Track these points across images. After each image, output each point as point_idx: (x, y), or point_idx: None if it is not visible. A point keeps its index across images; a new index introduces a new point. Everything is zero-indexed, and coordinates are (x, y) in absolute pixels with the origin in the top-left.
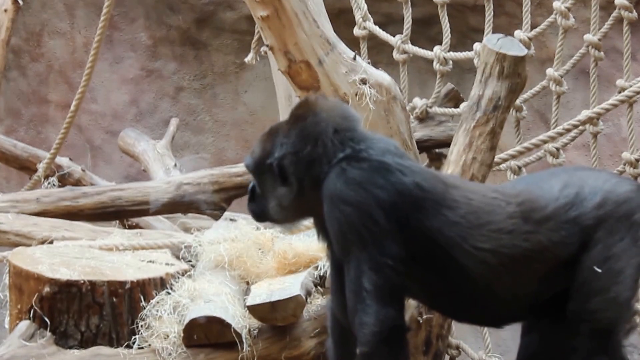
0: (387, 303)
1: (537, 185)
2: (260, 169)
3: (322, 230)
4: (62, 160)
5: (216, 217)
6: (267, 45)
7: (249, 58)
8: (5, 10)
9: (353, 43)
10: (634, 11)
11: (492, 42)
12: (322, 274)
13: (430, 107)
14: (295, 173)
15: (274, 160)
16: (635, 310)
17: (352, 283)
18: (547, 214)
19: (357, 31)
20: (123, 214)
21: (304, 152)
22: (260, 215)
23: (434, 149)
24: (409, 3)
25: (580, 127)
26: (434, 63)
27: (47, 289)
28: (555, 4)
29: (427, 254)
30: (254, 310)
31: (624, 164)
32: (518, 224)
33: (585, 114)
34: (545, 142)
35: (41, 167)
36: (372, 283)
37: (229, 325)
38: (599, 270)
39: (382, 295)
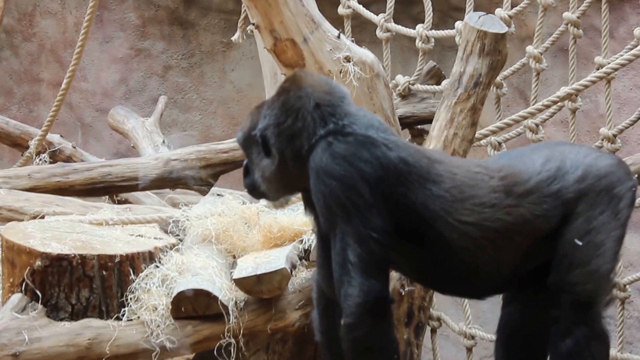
0: (371, 275)
1: (519, 159)
2: (248, 142)
3: (309, 204)
4: (53, 137)
5: (203, 193)
6: (253, 24)
7: (235, 37)
8: None
9: (337, 22)
10: None
11: (473, 20)
12: (306, 248)
13: (413, 84)
14: (277, 144)
15: (257, 132)
16: (614, 282)
17: (337, 255)
18: (530, 187)
19: (341, 10)
20: (113, 189)
21: (284, 124)
22: (252, 189)
23: (416, 125)
24: None
25: (559, 104)
26: (417, 41)
27: (38, 263)
28: None
29: (412, 227)
30: (240, 283)
31: (602, 140)
32: (501, 197)
33: (564, 90)
34: (524, 118)
35: (33, 144)
36: (356, 255)
37: (215, 298)
38: (580, 243)
39: (366, 267)
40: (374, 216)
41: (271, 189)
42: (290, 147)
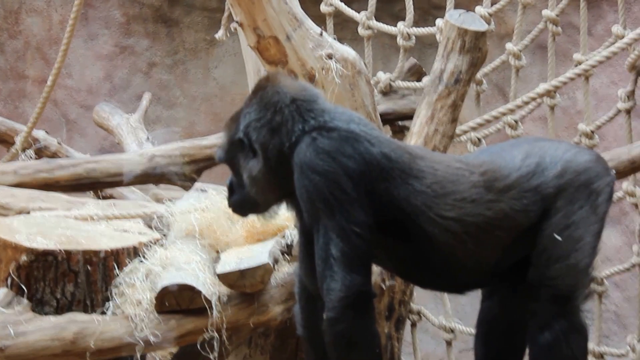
0: (353, 270)
1: (499, 155)
2: (232, 150)
3: (292, 200)
4: (39, 134)
5: (187, 188)
6: (236, 22)
7: (219, 34)
8: None
9: (320, 19)
10: None
11: (454, 18)
12: (289, 243)
13: (394, 81)
14: (259, 140)
15: (240, 132)
16: (593, 276)
17: (320, 250)
18: (510, 183)
19: (323, 8)
20: (97, 185)
21: (264, 118)
22: (240, 206)
23: (397, 121)
24: None
25: (538, 100)
26: (398, 38)
27: (24, 258)
28: None
29: (394, 222)
30: (223, 277)
31: (580, 136)
32: (481, 193)
33: (542, 87)
34: (504, 114)
35: (18, 140)
36: (339, 250)
37: (199, 292)
38: (559, 238)
39: (348, 262)
40: (356, 211)
41: (259, 193)
42: (272, 143)
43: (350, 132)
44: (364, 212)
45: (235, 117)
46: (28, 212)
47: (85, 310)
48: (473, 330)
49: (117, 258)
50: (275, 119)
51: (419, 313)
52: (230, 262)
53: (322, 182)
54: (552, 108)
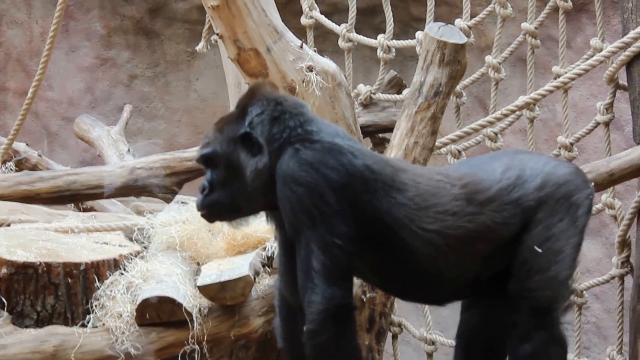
0: (334, 282)
1: (480, 168)
2: (230, 147)
3: (272, 212)
4: (19, 146)
5: (168, 200)
6: (217, 34)
7: (200, 46)
8: None
9: (300, 32)
10: (569, 1)
11: (433, 31)
12: (269, 255)
13: (374, 94)
14: (264, 134)
15: (245, 127)
16: (573, 288)
17: (302, 262)
18: (490, 195)
19: (304, 20)
20: (78, 197)
21: (268, 109)
22: (218, 204)
23: (378, 133)
24: None
25: (518, 112)
26: (378, 51)
27: (4, 271)
28: None
29: (376, 234)
30: (204, 290)
31: (559, 148)
32: (462, 205)
33: (522, 99)
34: (484, 126)
35: None
36: (320, 262)
37: (180, 305)
38: (540, 250)
39: (329, 274)
40: (338, 223)
41: (258, 190)
42: (275, 136)
43: (334, 145)
44: (346, 224)
45: (230, 117)
46: (8, 225)
47: (65, 323)
48: (454, 342)
49: (98, 270)
50: (277, 108)
51: (400, 325)
52: (211, 274)
53: (305, 194)
54: (531, 120)
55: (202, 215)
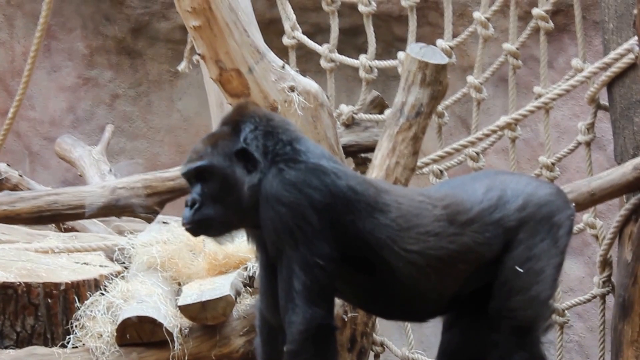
0: (315, 303)
1: (461, 188)
2: (226, 162)
3: (253, 232)
4: (0, 166)
5: (149, 220)
6: (199, 54)
7: (182, 66)
8: None
9: (282, 52)
10: (550, 21)
11: (414, 51)
12: (251, 275)
13: (356, 114)
14: (260, 148)
15: (242, 144)
16: (553, 308)
17: (283, 282)
18: (472, 216)
19: (286, 40)
20: (59, 217)
21: (261, 124)
22: (210, 219)
23: (360, 153)
24: (336, 13)
25: (500, 132)
26: (360, 71)
27: None
28: (476, 15)
29: (358, 255)
30: (185, 309)
31: (541, 168)
32: (444, 226)
33: (504, 119)
34: (465, 146)
35: None
36: (301, 283)
37: (160, 325)
38: (521, 270)
39: (310, 295)
40: (320, 243)
41: (247, 211)
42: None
43: (318, 166)
44: (328, 245)
45: (222, 133)
46: None
47: (45, 343)
48: None
49: (78, 291)
50: (269, 124)
51: (382, 344)
52: (192, 294)
53: (287, 214)
54: (513, 140)
55: (188, 229)
